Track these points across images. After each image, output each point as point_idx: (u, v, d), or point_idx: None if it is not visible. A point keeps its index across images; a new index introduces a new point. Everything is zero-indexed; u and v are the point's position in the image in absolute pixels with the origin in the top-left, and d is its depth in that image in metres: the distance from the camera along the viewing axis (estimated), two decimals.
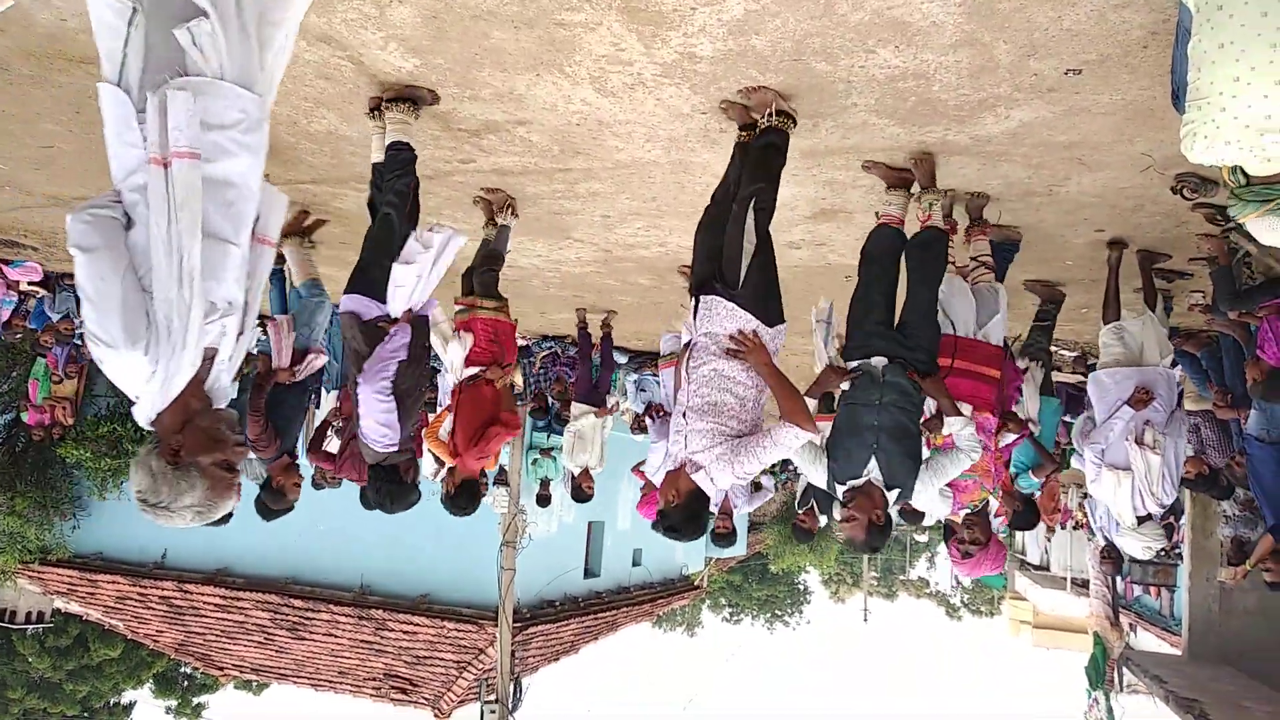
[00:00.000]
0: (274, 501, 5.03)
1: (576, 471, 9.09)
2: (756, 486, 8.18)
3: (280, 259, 6.02)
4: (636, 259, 6.60)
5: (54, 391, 11.62)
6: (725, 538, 8.11)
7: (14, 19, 3.50)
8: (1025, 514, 5.67)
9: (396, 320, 3.98)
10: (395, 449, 4.05)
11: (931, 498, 3.89)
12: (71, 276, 8.77)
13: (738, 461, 3.18)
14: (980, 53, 3.25)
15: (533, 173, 4.89)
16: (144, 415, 2.12)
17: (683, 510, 3.32)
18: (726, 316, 3.39)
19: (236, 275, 2.18)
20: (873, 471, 3.58)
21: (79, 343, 9.85)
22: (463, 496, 4.99)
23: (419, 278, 3.92)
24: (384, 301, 3.94)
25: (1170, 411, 5.39)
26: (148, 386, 2.07)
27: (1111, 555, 7.23)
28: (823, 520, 7.91)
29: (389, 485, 4.22)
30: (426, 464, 9.07)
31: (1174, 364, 5.49)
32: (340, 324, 4.07)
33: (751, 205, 3.50)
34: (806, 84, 3.60)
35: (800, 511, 7.97)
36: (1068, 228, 5.15)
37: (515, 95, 3.90)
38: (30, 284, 8.61)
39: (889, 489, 3.60)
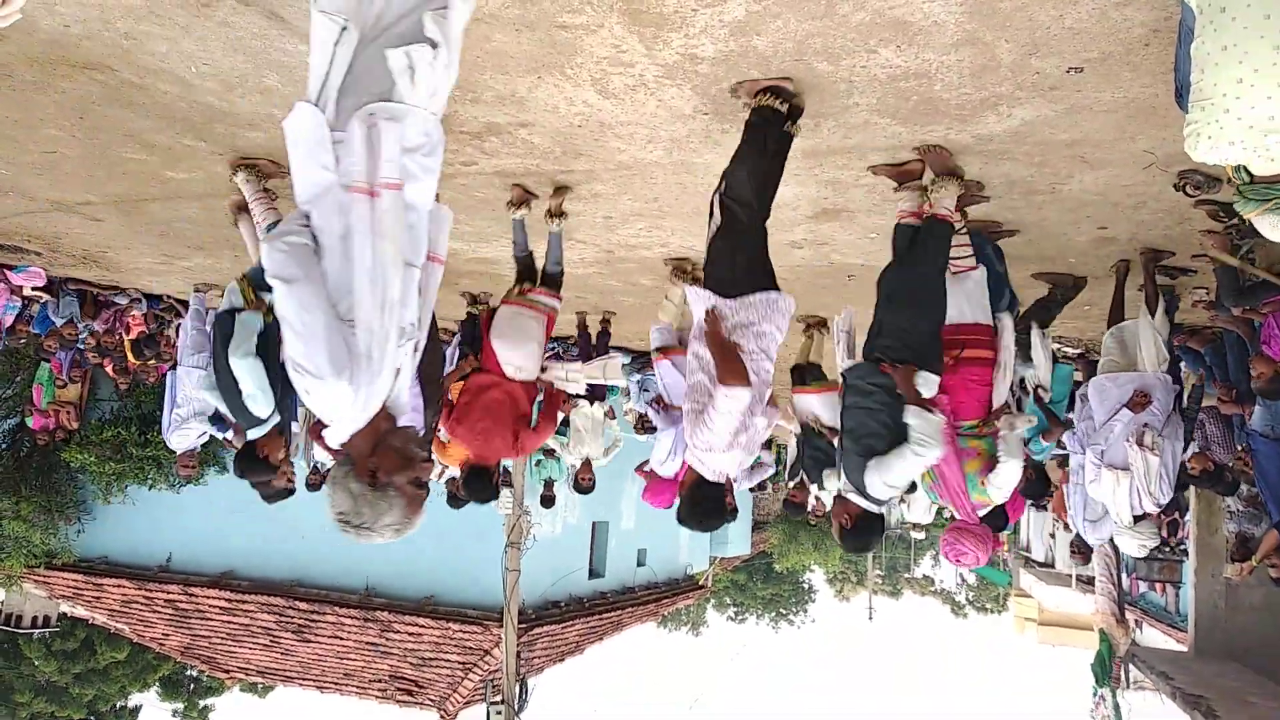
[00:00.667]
0: (257, 471, 4.90)
1: (578, 464, 9.10)
2: (755, 462, 8.18)
3: None
4: (639, 259, 6.61)
5: (58, 396, 11.65)
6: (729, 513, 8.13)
7: (17, 25, 3.50)
8: (1036, 483, 5.71)
9: None
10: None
11: (888, 494, 3.79)
12: (75, 281, 8.80)
13: (694, 434, 3.19)
14: (982, 52, 3.24)
15: (535, 175, 4.90)
16: (337, 439, 2.14)
17: (687, 500, 3.36)
18: (695, 300, 3.47)
19: (413, 295, 2.19)
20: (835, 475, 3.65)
21: (82, 347, 9.87)
22: (480, 485, 5.01)
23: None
24: None
25: (1167, 415, 5.48)
26: (348, 413, 2.08)
27: (1081, 549, 7.27)
28: (814, 491, 7.84)
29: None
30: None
31: (1170, 370, 5.58)
32: None
33: (721, 193, 3.57)
34: (808, 84, 3.60)
35: (790, 486, 7.97)
36: (1070, 225, 5.14)
37: (517, 97, 3.90)
38: (34, 289, 8.62)
39: (853, 490, 3.63)
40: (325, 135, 2.11)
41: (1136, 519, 5.58)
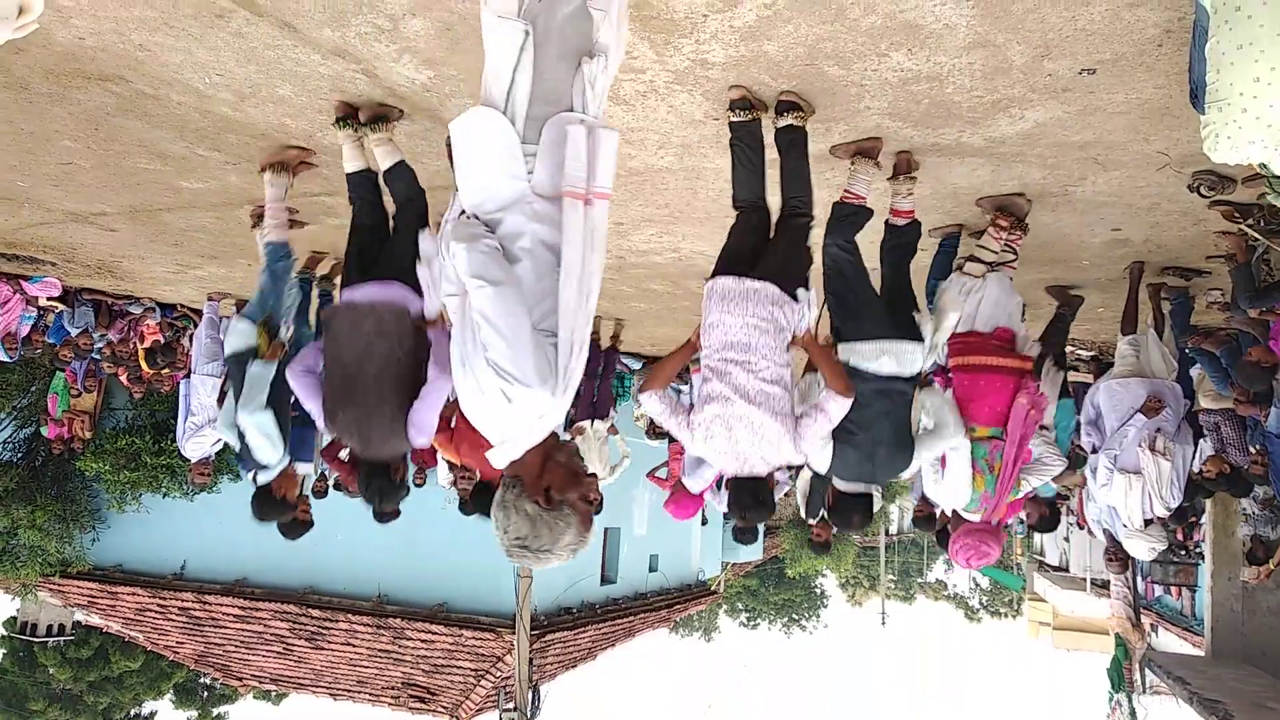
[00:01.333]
0: (276, 512, 4.93)
1: None
2: None
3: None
4: (650, 265, 6.61)
5: (73, 405, 11.72)
6: (746, 532, 8.18)
7: (33, 38, 3.54)
8: (1049, 519, 5.73)
9: (431, 322, 3.94)
10: (421, 445, 4.02)
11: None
12: (89, 291, 8.85)
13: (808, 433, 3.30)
14: (994, 54, 3.24)
15: None
16: (506, 458, 2.08)
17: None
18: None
19: None
20: None
21: (97, 357, 9.93)
22: (486, 501, 5.00)
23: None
24: (420, 298, 3.88)
25: (1178, 422, 5.59)
26: (529, 427, 2.04)
27: (1118, 555, 7.17)
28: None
29: (382, 482, 4.11)
30: (441, 471, 9.07)
31: (1179, 378, 5.71)
32: (370, 311, 3.76)
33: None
34: (819, 88, 3.60)
35: (813, 524, 7.89)
36: (1084, 228, 5.12)
37: None
38: (49, 299, 8.68)
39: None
40: (516, 144, 2.09)
41: (1146, 522, 5.61)
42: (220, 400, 5.43)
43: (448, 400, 5.02)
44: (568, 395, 2.03)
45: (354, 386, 3.74)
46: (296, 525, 5.30)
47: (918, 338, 3.85)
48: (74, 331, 9.02)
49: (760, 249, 3.57)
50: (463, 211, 2.18)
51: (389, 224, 4.14)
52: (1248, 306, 4.99)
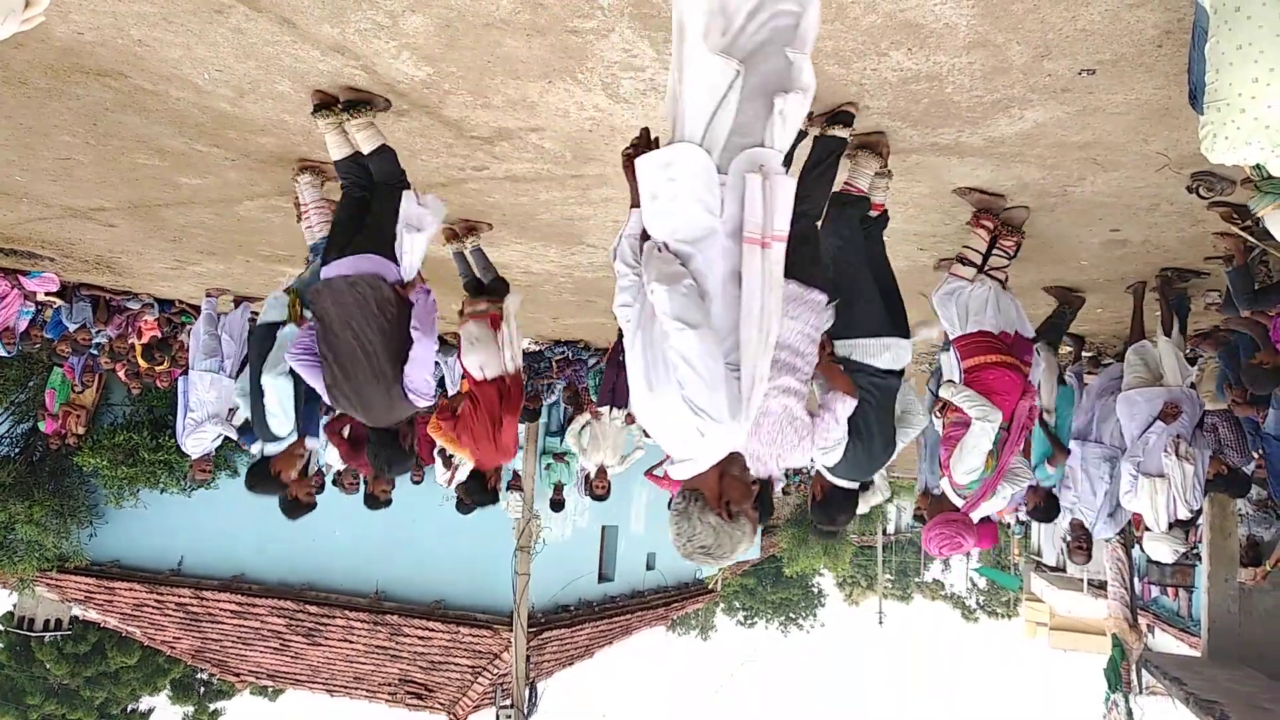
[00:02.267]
0: (267, 488, 4.98)
1: (593, 471, 9.04)
2: None
3: None
4: None
5: (71, 400, 11.73)
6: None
7: (32, 33, 3.52)
8: (1046, 507, 5.81)
9: (409, 285, 4.01)
10: (427, 404, 4.07)
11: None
12: (88, 286, 8.84)
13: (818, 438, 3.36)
14: (993, 54, 3.24)
15: (546, 179, 4.90)
16: (687, 473, 2.24)
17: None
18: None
19: None
20: None
21: (95, 352, 9.92)
22: (475, 489, 5.08)
23: (425, 243, 4.03)
24: (396, 264, 3.95)
25: (1195, 427, 5.72)
26: (713, 451, 2.19)
27: (1083, 543, 7.13)
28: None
29: (390, 450, 4.25)
30: (438, 470, 9.07)
31: (1193, 385, 5.83)
32: (349, 286, 3.87)
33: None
34: (819, 88, 3.58)
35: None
36: (1083, 228, 5.13)
37: (528, 102, 3.91)
38: (47, 294, 8.67)
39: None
40: (714, 179, 2.16)
41: (1170, 525, 5.69)
42: (239, 370, 5.49)
43: (459, 392, 5.07)
44: (750, 423, 2.18)
45: (347, 360, 3.85)
46: (298, 506, 5.35)
47: (906, 333, 3.95)
48: (72, 327, 9.01)
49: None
50: (647, 238, 2.29)
51: (370, 199, 4.17)
52: (1244, 308, 5.01)
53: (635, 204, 2.36)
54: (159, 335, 9.60)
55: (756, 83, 2.19)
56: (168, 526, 14.16)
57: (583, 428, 9.03)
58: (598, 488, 9.04)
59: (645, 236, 2.32)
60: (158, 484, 13.50)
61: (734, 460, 2.27)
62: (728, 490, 2.23)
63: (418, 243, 4.02)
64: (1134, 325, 6.07)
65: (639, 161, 2.27)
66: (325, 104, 3.95)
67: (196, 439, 6.93)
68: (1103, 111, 3.64)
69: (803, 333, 3.23)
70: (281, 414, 4.56)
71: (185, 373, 7.40)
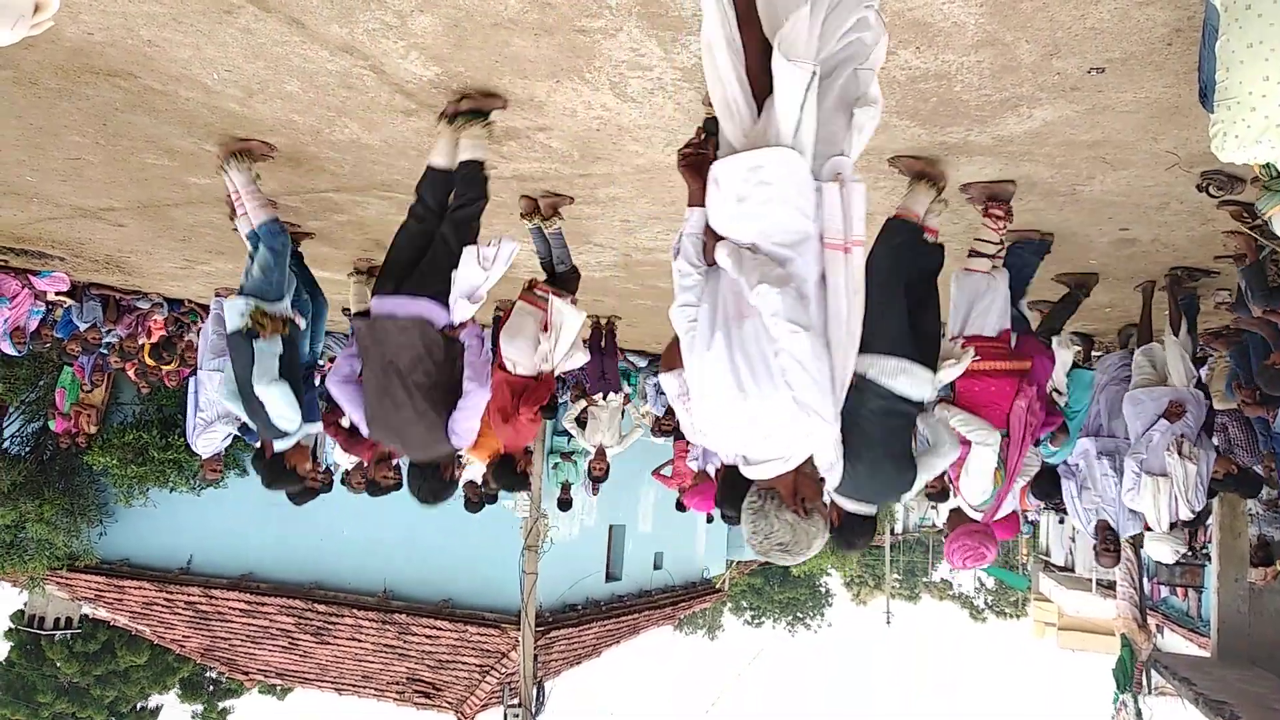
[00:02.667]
0: (285, 482, 5.04)
1: (592, 451, 9.09)
2: None
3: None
4: (656, 262, 6.61)
5: (81, 399, 11.77)
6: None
7: (42, 34, 3.55)
8: (1046, 484, 5.76)
9: (458, 327, 4.01)
10: (462, 447, 4.10)
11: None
12: (97, 286, 8.88)
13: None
14: (1002, 52, 3.23)
15: (553, 178, 4.91)
16: (767, 474, 2.31)
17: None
18: None
19: None
20: None
21: (105, 351, 9.97)
22: (505, 473, 5.11)
23: (478, 296, 3.99)
24: (448, 309, 3.93)
25: (1199, 430, 5.68)
26: (805, 451, 2.29)
27: (1112, 547, 7.03)
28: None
29: (433, 482, 4.24)
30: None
31: (1199, 385, 5.81)
32: (398, 330, 3.89)
33: None
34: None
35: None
36: (1092, 227, 5.11)
37: (535, 102, 3.91)
38: (57, 294, 8.71)
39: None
40: (808, 180, 2.22)
41: (1171, 526, 5.65)
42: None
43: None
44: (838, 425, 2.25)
45: (390, 399, 3.90)
46: (306, 491, 5.41)
47: (932, 367, 3.83)
48: (82, 326, 9.06)
49: None
50: (717, 238, 2.32)
51: (436, 229, 4.09)
52: (1259, 305, 4.98)
53: (696, 203, 2.40)
54: (166, 335, 9.64)
55: (837, 95, 2.27)
56: (177, 525, 14.22)
57: (580, 413, 9.07)
58: (595, 469, 9.05)
59: (715, 235, 2.34)
60: (167, 483, 13.56)
61: (806, 459, 2.33)
62: (802, 487, 2.31)
63: (463, 310, 3.95)
64: (1142, 324, 6.05)
65: (726, 163, 2.27)
66: (449, 115, 3.95)
67: (207, 438, 6.94)
68: (1112, 110, 3.63)
69: None
70: (289, 411, 4.61)
71: (194, 372, 7.42)
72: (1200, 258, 5.54)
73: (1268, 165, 2.38)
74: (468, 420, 3.95)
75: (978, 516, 4.57)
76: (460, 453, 4.33)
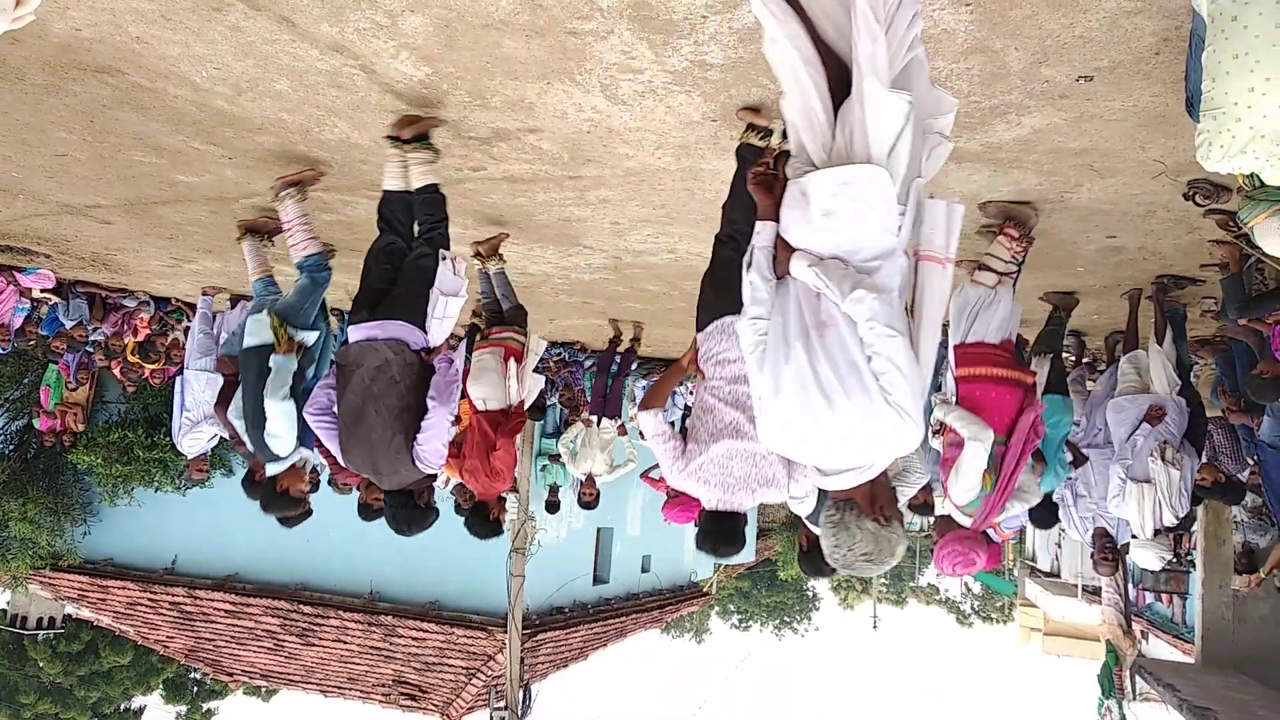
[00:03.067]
0: (281, 507, 5.02)
1: (583, 479, 9.08)
2: None
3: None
4: (645, 265, 6.61)
5: (66, 398, 11.69)
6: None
7: (29, 29, 3.53)
8: (1043, 511, 5.78)
9: (433, 350, 4.09)
10: (432, 471, 4.10)
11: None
12: (83, 283, 8.82)
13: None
14: (991, 60, 3.24)
15: (543, 180, 4.91)
16: (846, 484, 2.36)
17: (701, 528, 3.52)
18: None
19: None
20: None
21: (90, 349, 9.90)
22: (477, 521, 5.15)
23: (457, 311, 4.10)
24: (424, 331, 4.03)
25: (1182, 432, 5.70)
26: (890, 457, 2.35)
27: (1111, 555, 7.04)
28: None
29: (408, 510, 4.28)
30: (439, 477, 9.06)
31: (1182, 392, 5.81)
32: (372, 351, 3.97)
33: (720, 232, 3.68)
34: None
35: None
36: (1079, 234, 5.13)
37: (526, 103, 3.91)
38: (43, 291, 8.65)
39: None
40: (893, 199, 2.30)
41: (1155, 532, 5.66)
42: (226, 392, 5.46)
43: (455, 420, 5.11)
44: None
45: (361, 423, 3.94)
46: (300, 516, 5.38)
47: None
48: (68, 324, 8.99)
49: None
50: (790, 249, 2.41)
51: (406, 252, 4.22)
52: (1236, 316, 5.02)
53: (767, 217, 2.48)
54: (150, 334, 9.58)
55: (916, 118, 2.34)
56: (162, 525, 14.13)
57: (575, 437, 9.09)
58: (585, 495, 9.07)
59: (788, 249, 2.41)
60: (152, 482, 13.48)
61: (883, 468, 2.40)
62: (880, 496, 2.37)
63: (452, 308, 4.10)
64: (1129, 332, 6.08)
65: (818, 177, 2.33)
66: (397, 137, 4.08)
67: (192, 438, 6.90)
68: (1100, 118, 3.65)
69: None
70: (284, 435, 4.57)
71: (180, 371, 7.38)
72: (1186, 266, 5.57)
73: (1251, 175, 2.39)
74: (432, 441, 3.97)
75: (966, 522, 4.57)
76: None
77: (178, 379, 7.19)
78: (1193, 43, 2.50)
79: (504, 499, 5.28)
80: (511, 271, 6.76)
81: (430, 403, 3.96)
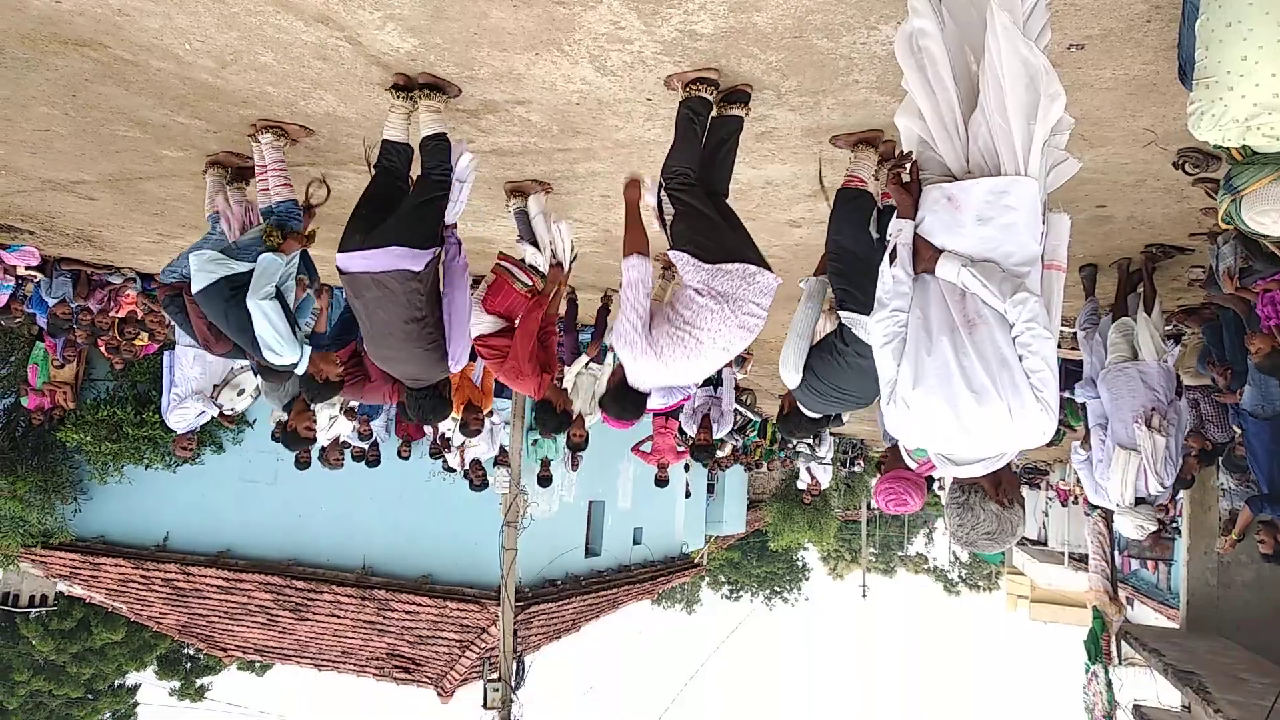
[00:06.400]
0: (324, 392, 4.82)
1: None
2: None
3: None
4: None
5: (53, 376, 11.61)
6: (704, 449, 8.19)
7: (8, 2, 3.47)
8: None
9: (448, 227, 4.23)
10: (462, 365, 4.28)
11: None
12: (69, 260, 8.74)
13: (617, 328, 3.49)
14: None
15: (532, 153, 4.87)
16: (984, 470, 2.48)
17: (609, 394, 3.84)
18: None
19: None
20: None
21: (75, 327, 9.81)
22: (546, 414, 5.07)
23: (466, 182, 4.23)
24: (428, 249, 4.00)
25: (1170, 400, 5.69)
26: (1015, 449, 2.48)
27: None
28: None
29: (433, 399, 4.44)
30: (428, 443, 9.01)
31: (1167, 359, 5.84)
32: (374, 284, 3.92)
33: (664, 187, 3.72)
34: (808, 61, 3.58)
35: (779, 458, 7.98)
36: (1069, 204, 5.12)
37: (514, 75, 3.87)
38: (28, 268, 8.57)
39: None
40: (1040, 213, 2.50)
41: (1138, 501, 5.66)
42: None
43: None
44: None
45: (387, 348, 4.17)
46: (297, 438, 5.40)
47: None
48: (52, 301, 8.91)
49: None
50: (959, 255, 2.52)
51: (406, 188, 4.20)
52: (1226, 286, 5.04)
53: (905, 215, 2.61)
54: (136, 311, 9.50)
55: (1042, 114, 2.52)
56: (153, 502, 14.10)
57: (578, 373, 8.89)
58: (575, 436, 8.92)
59: (929, 247, 2.54)
60: (142, 459, 13.42)
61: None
62: (1004, 480, 2.49)
63: (461, 192, 4.24)
64: (1118, 301, 6.09)
65: (967, 185, 2.51)
66: (402, 86, 3.97)
67: (179, 413, 6.88)
68: (1091, 87, 3.64)
69: (761, 315, 3.50)
70: (279, 339, 4.29)
71: (170, 347, 7.34)
72: (1175, 235, 5.58)
73: (1244, 146, 2.39)
74: (459, 338, 4.17)
75: (912, 464, 4.59)
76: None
77: (166, 355, 7.16)
78: (1186, 10, 2.50)
79: (563, 390, 5.25)
80: (501, 245, 6.72)
81: (446, 294, 4.09)
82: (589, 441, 9.10)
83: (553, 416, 5.08)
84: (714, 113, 3.81)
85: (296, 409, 5.37)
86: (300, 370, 4.63)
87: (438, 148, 4.06)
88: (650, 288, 3.50)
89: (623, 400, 3.75)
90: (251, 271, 4.31)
